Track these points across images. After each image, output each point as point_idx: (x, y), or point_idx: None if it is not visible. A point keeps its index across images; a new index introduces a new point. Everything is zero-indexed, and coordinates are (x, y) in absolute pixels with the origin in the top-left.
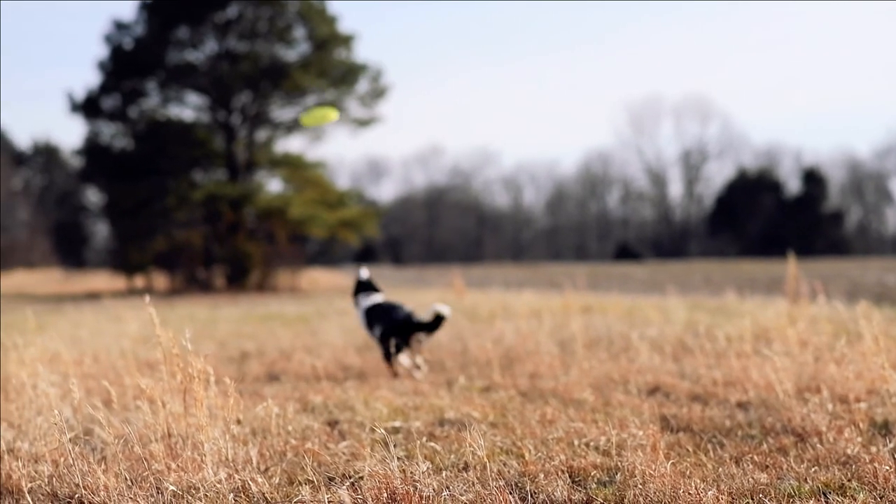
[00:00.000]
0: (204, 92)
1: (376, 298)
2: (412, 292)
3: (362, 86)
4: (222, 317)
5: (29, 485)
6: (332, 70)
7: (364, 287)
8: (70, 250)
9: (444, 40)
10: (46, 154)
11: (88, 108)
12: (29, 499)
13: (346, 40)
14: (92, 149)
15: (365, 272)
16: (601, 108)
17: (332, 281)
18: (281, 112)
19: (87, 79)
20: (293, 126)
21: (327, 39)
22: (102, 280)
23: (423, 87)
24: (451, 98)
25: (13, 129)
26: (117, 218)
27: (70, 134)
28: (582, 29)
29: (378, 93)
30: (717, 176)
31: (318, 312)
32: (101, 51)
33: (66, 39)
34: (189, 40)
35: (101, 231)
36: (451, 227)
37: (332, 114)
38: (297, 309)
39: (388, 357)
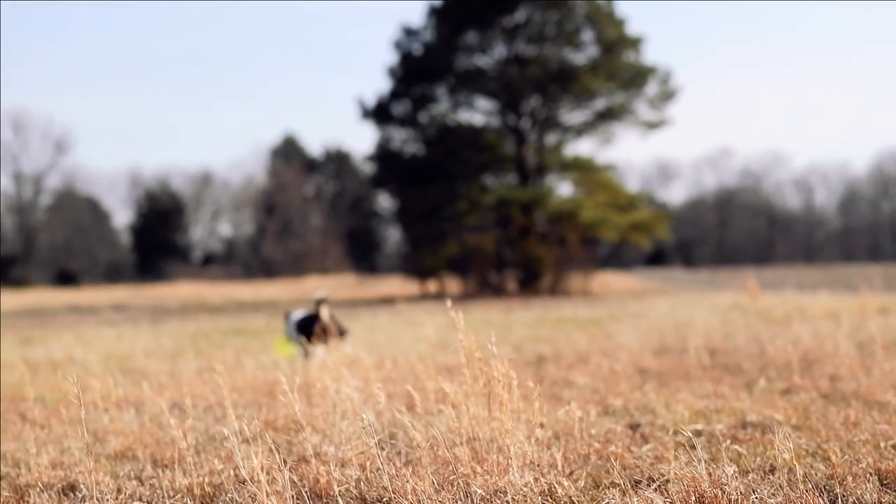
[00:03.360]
0: (493, 96)
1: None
2: (704, 294)
3: (651, 88)
4: (516, 320)
5: (338, 488)
6: (621, 73)
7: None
8: (362, 255)
9: (733, 41)
10: (338, 160)
11: (379, 114)
12: (341, 502)
13: (635, 42)
14: (383, 154)
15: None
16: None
17: (624, 284)
18: (570, 115)
19: (376, 85)
20: (583, 129)
21: (615, 42)
22: (395, 285)
23: (712, 89)
24: (740, 99)
25: (305, 137)
26: (409, 223)
27: (360, 140)
28: (876, 27)
29: (667, 95)
30: None
31: (611, 315)
32: (391, 57)
33: (355, 46)
34: (478, 45)
35: (392, 236)
36: (741, 229)
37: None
38: (589, 312)
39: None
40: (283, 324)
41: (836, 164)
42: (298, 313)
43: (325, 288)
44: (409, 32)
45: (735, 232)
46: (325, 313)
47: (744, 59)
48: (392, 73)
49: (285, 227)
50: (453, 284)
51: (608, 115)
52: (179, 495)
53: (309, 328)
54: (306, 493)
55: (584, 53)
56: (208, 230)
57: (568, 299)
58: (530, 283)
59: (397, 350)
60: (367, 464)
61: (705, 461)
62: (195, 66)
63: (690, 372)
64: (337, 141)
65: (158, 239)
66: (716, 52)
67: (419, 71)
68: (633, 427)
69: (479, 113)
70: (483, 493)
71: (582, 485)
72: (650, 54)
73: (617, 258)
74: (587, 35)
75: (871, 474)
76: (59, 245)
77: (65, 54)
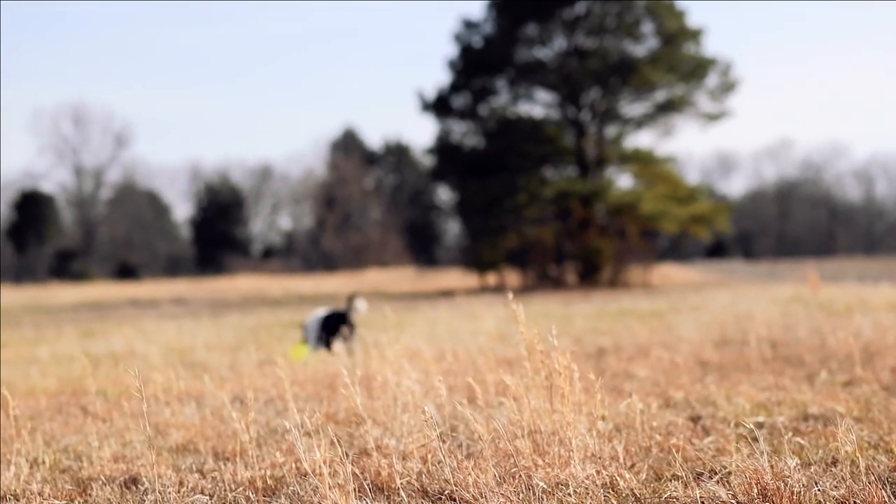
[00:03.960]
0: (553, 89)
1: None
2: (765, 286)
3: (711, 80)
4: (576, 313)
5: (399, 481)
6: (681, 64)
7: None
8: (422, 248)
9: (793, 30)
10: (398, 153)
11: (439, 106)
12: (403, 495)
13: (695, 34)
14: (443, 147)
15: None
16: None
17: (684, 276)
18: (630, 108)
19: (436, 78)
20: (643, 121)
21: (676, 34)
22: (454, 277)
23: (773, 80)
24: (801, 90)
25: (365, 130)
26: (469, 216)
27: (420, 133)
28: None
29: (727, 87)
30: None
31: (671, 308)
32: (451, 50)
33: (415, 39)
34: (538, 37)
35: (451, 229)
36: (801, 221)
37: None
38: (650, 304)
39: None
40: (301, 331)
41: None
42: (320, 312)
43: (386, 280)
44: (469, 25)
45: (795, 224)
46: (354, 317)
47: (804, 50)
48: (452, 65)
49: (345, 220)
50: (513, 277)
51: (668, 107)
52: (241, 488)
53: (333, 327)
54: (368, 485)
55: (644, 45)
56: (268, 223)
57: (628, 292)
58: (590, 275)
59: (457, 343)
60: (429, 456)
61: (767, 453)
62: (255, 61)
63: (751, 364)
64: (396, 134)
65: (218, 232)
66: (776, 42)
67: (479, 63)
68: (695, 419)
69: (538, 105)
70: (545, 486)
71: (643, 477)
72: (710, 46)
73: (677, 250)
74: (647, 27)
75: None
76: (120, 238)
77: (125, 48)
